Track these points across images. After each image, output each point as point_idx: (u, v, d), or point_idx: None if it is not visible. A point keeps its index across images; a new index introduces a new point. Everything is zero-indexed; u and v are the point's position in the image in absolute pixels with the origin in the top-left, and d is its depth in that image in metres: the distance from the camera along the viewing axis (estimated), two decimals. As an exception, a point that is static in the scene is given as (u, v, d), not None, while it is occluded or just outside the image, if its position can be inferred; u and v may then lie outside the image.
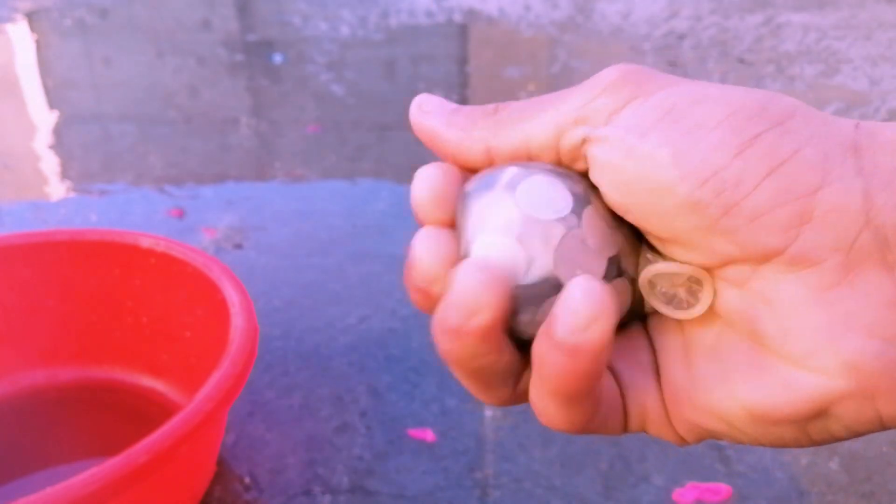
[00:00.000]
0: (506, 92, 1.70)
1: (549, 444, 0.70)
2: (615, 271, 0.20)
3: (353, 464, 0.68)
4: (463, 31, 2.36)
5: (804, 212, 0.16)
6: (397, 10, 2.58)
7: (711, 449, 0.70)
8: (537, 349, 0.17)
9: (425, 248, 0.19)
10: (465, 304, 0.17)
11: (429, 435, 0.72)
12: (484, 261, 0.17)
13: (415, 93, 1.78)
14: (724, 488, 0.65)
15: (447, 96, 1.74)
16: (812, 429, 0.18)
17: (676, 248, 0.19)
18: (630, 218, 0.19)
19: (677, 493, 0.65)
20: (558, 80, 1.83)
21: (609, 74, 0.19)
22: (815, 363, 0.17)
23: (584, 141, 0.19)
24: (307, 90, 1.81)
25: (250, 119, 1.63)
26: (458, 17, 2.47)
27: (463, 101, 1.74)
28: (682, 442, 0.21)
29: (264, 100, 1.79)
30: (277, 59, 2.09)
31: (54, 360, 0.76)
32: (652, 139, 0.18)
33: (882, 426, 0.17)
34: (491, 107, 0.21)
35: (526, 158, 0.20)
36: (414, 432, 0.72)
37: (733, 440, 0.19)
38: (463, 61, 2.07)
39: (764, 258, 0.17)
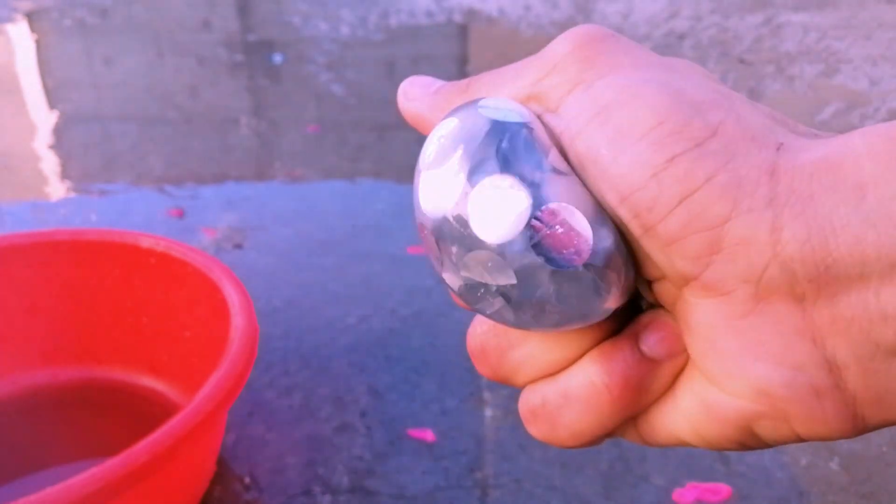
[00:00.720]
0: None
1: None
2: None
3: (353, 464, 0.68)
4: (463, 31, 2.36)
5: (713, 242, 0.16)
6: (397, 10, 2.58)
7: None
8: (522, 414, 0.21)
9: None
10: None
11: (429, 435, 0.72)
12: None
13: (415, 93, 1.78)
14: (724, 488, 0.65)
15: (447, 96, 1.74)
16: (747, 442, 0.18)
17: None
18: None
19: (677, 493, 0.65)
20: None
21: (561, 47, 0.19)
22: (730, 387, 0.17)
23: (542, 117, 0.19)
24: (307, 90, 1.81)
25: (250, 119, 1.63)
26: (458, 17, 2.47)
27: (463, 101, 1.74)
28: (650, 445, 0.21)
29: (264, 100, 1.79)
30: (277, 59, 2.09)
31: (54, 360, 0.76)
32: (585, 140, 0.18)
33: (801, 440, 0.18)
34: (464, 82, 0.21)
35: None
36: (414, 432, 0.72)
37: (690, 446, 0.20)
38: (463, 61, 2.08)
39: (683, 280, 0.17)
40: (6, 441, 0.70)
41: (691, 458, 0.68)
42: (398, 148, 1.46)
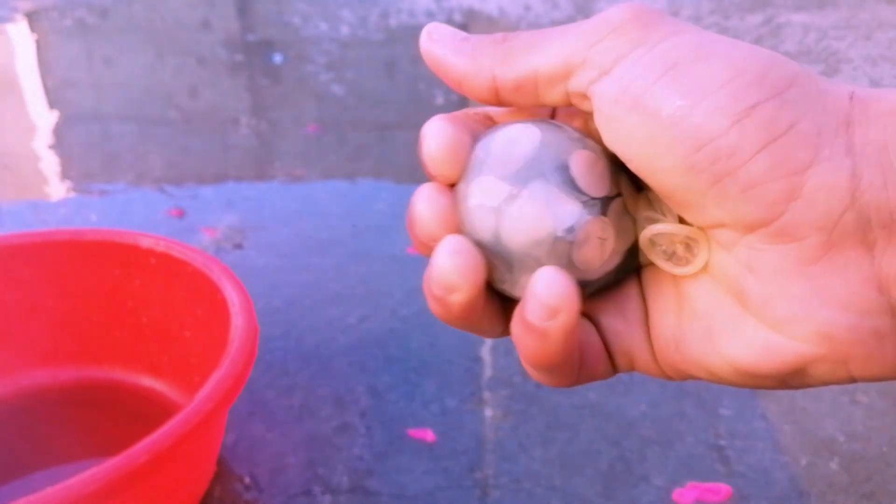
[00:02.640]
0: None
1: (549, 444, 0.70)
2: (614, 210, 0.20)
3: (353, 464, 0.68)
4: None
5: (793, 188, 0.17)
6: (397, 10, 2.58)
7: (711, 449, 0.70)
8: (513, 328, 0.19)
9: (424, 207, 0.20)
10: (442, 283, 0.19)
11: (429, 435, 0.72)
12: (461, 243, 0.19)
13: (415, 93, 1.78)
14: (724, 488, 0.65)
15: (447, 96, 1.74)
16: (790, 381, 0.19)
17: (672, 203, 0.19)
18: (630, 167, 0.19)
19: (677, 493, 0.65)
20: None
21: (617, 15, 0.19)
22: (791, 330, 0.18)
23: (590, 83, 0.19)
24: (307, 90, 1.81)
25: (250, 119, 1.63)
26: (458, 17, 2.47)
27: (463, 100, 1.74)
28: (668, 378, 0.22)
29: (264, 100, 1.79)
30: (277, 59, 2.09)
31: (54, 360, 0.76)
32: (654, 95, 0.18)
33: (853, 381, 0.18)
34: (499, 35, 0.21)
35: (532, 90, 0.21)
36: (414, 432, 0.72)
37: (720, 383, 0.20)
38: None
39: (750, 228, 0.18)
40: (6, 441, 0.70)
41: (691, 458, 0.68)
42: (398, 148, 1.46)
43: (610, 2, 2.57)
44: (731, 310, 0.19)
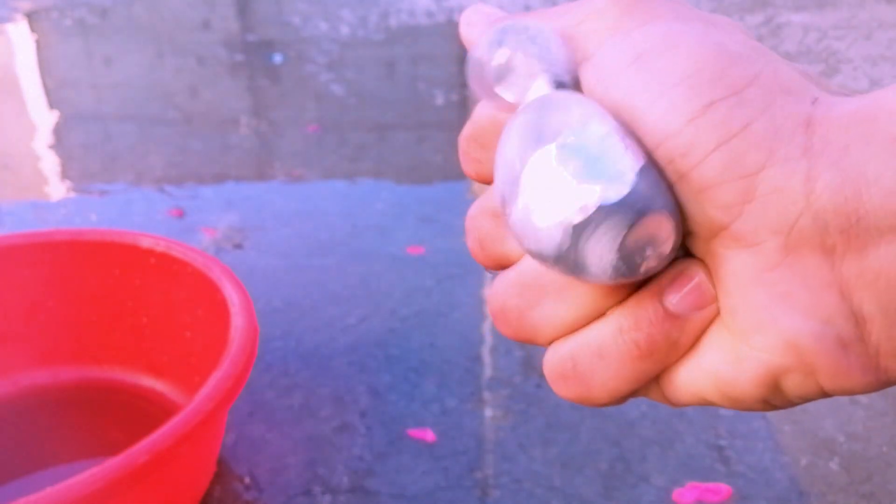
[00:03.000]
0: (506, 92, 1.70)
1: (549, 444, 0.70)
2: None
3: (353, 464, 0.68)
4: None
5: (747, 190, 0.16)
6: (397, 10, 2.58)
7: (711, 449, 0.70)
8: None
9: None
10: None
11: (429, 435, 0.72)
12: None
13: (415, 93, 1.78)
14: (724, 488, 0.65)
15: (447, 96, 1.74)
16: (771, 398, 0.18)
17: None
18: None
19: (677, 493, 0.65)
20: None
21: None
22: (757, 341, 0.17)
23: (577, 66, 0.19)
24: (307, 90, 1.81)
25: (250, 119, 1.63)
26: (458, 17, 2.47)
27: (463, 101, 1.74)
28: (671, 405, 0.21)
29: (264, 100, 1.79)
30: (277, 59, 2.09)
31: (54, 360, 0.76)
32: (621, 86, 0.18)
33: (825, 395, 0.18)
34: (519, 16, 0.21)
35: None
36: (414, 432, 0.72)
37: (714, 405, 0.20)
38: (463, 61, 2.07)
39: (712, 232, 0.17)
40: (6, 441, 0.70)
41: (691, 458, 0.68)
42: (398, 148, 1.46)
43: (610, 2, 2.57)
44: (712, 325, 0.19)
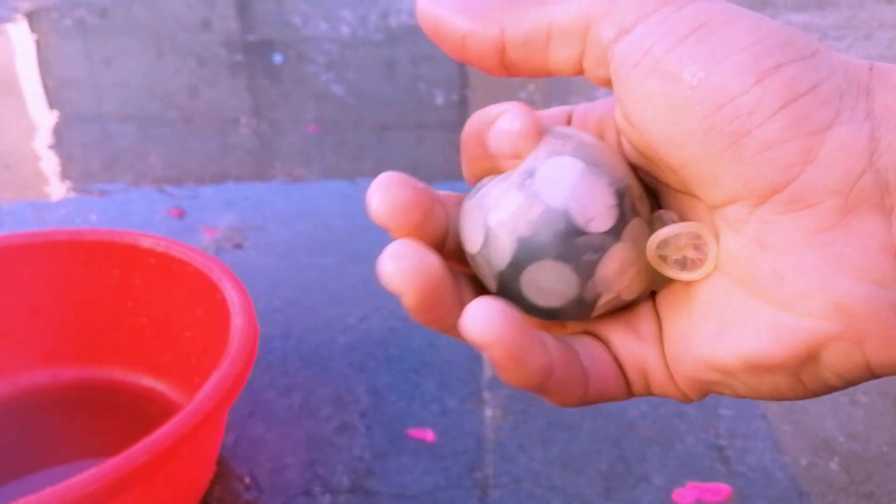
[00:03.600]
0: (506, 92, 1.70)
1: (549, 444, 0.70)
2: (628, 213, 0.20)
3: (353, 464, 0.68)
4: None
5: (810, 149, 0.16)
6: (397, 10, 2.58)
7: (711, 449, 0.70)
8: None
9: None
10: (392, 287, 0.19)
11: (429, 435, 0.72)
12: (403, 247, 0.20)
13: (415, 93, 1.78)
14: (724, 488, 0.65)
15: (447, 96, 1.74)
16: (805, 376, 0.18)
17: (685, 178, 0.19)
18: (645, 138, 0.19)
19: (677, 493, 0.65)
20: (558, 80, 1.83)
21: None
22: (805, 306, 0.17)
23: (609, 43, 0.19)
24: (307, 90, 1.81)
25: (250, 119, 1.63)
26: (458, 17, 2.47)
27: (463, 100, 1.74)
28: (686, 398, 0.21)
29: (264, 100, 1.79)
30: (277, 59, 2.09)
31: (54, 360, 0.76)
32: (677, 55, 0.17)
33: (870, 372, 0.17)
34: None
35: (542, 47, 0.19)
36: (414, 432, 0.72)
37: (734, 393, 0.20)
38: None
39: (763, 196, 0.17)
40: (6, 441, 0.70)
41: (691, 458, 0.68)
42: (398, 148, 1.46)
43: (610, 2, 2.57)
44: (741, 300, 0.18)
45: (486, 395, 0.77)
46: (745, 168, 0.17)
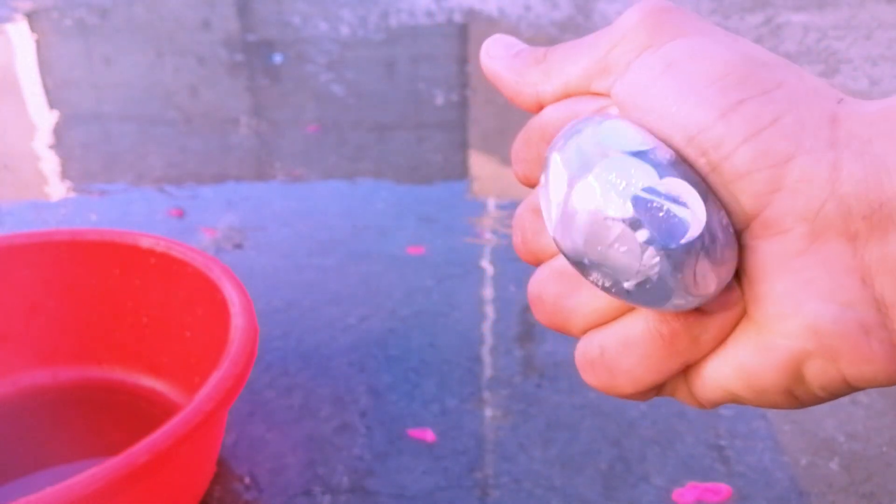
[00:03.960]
0: (506, 92, 1.70)
1: (549, 444, 0.70)
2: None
3: (353, 464, 0.68)
4: (463, 31, 2.36)
5: (776, 179, 0.17)
6: (397, 10, 2.58)
7: (711, 449, 0.70)
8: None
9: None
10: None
11: (429, 435, 0.72)
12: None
13: (415, 93, 1.78)
14: (724, 488, 0.65)
15: (447, 96, 1.74)
16: (797, 391, 0.19)
17: None
18: None
19: (677, 493, 0.65)
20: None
21: (629, 18, 0.20)
22: (782, 328, 0.18)
23: (608, 89, 0.20)
24: (307, 90, 1.81)
25: (250, 119, 1.63)
26: (458, 17, 2.47)
27: (463, 100, 1.74)
28: (700, 406, 0.22)
29: (264, 100, 1.79)
30: (277, 59, 2.09)
31: (54, 360, 0.76)
32: (652, 94, 0.19)
33: (849, 386, 0.18)
34: (541, 52, 0.23)
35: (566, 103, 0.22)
36: (414, 432, 0.72)
37: (741, 403, 0.20)
38: (463, 61, 2.07)
39: (743, 223, 0.18)
40: (6, 441, 0.70)
41: (691, 458, 0.68)
42: (398, 148, 1.46)
43: (609, 2, 2.57)
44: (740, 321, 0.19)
45: (486, 395, 0.77)
46: (722, 197, 0.18)
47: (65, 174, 1.37)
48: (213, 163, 1.39)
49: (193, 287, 0.69)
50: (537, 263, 0.22)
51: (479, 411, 0.75)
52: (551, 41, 2.08)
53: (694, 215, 0.17)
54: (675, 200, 0.17)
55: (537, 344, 0.85)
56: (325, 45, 2.19)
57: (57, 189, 1.31)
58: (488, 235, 1.09)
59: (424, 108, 1.69)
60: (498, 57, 0.23)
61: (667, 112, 0.18)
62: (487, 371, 0.81)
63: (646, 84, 0.19)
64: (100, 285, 0.75)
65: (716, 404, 0.21)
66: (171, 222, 1.15)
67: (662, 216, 0.17)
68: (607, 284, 0.18)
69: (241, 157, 1.43)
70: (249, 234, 1.10)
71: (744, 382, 0.19)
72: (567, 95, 0.22)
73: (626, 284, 0.18)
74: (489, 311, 0.92)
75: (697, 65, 0.18)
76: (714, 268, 0.18)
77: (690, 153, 0.18)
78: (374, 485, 0.66)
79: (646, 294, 0.18)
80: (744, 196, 0.18)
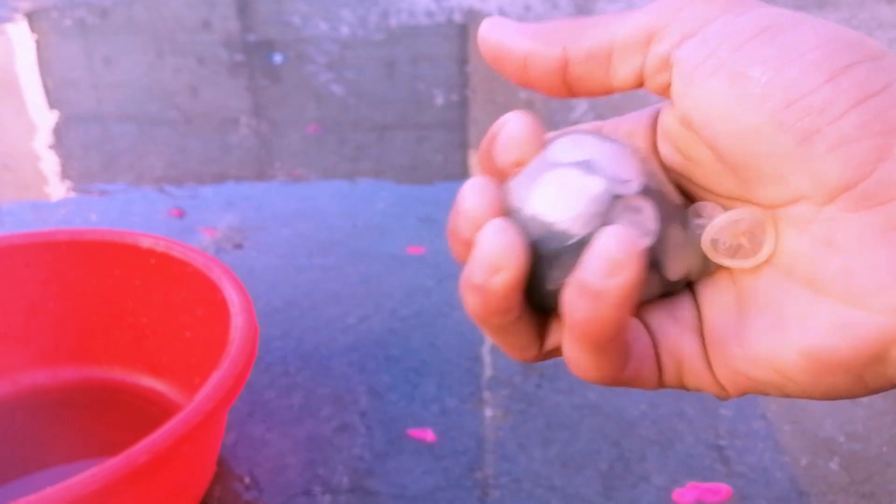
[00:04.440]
0: (506, 92, 1.70)
1: (549, 444, 0.70)
2: (672, 232, 0.20)
3: (353, 464, 0.68)
4: (463, 31, 2.36)
5: (884, 147, 0.17)
6: (397, 10, 2.58)
7: (711, 449, 0.70)
8: (567, 296, 0.18)
9: (473, 196, 0.20)
10: (489, 262, 0.18)
11: (429, 435, 0.72)
12: (507, 223, 0.18)
13: (415, 93, 1.78)
14: (724, 488, 0.65)
15: (447, 96, 1.74)
16: (869, 374, 0.18)
17: (749, 177, 0.19)
18: (705, 134, 0.19)
19: (677, 493, 0.65)
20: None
21: None
22: (876, 302, 0.17)
23: (672, 47, 0.19)
24: (307, 90, 1.81)
25: (250, 119, 1.63)
26: (458, 17, 2.47)
27: (463, 100, 1.74)
28: (723, 392, 0.21)
29: (264, 100, 1.79)
30: (277, 59, 2.09)
31: (54, 360, 0.76)
32: (744, 54, 0.18)
33: None
34: (568, 19, 0.21)
35: (604, 63, 0.20)
36: (414, 432, 0.72)
37: (782, 392, 0.19)
38: (463, 61, 2.07)
39: (833, 194, 0.17)
40: (6, 441, 0.70)
41: (691, 458, 0.68)
42: (398, 148, 1.46)
43: (609, 2, 2.57)
44: (802, 296, 0.18)
45: (486, 395, 0.77)
46: (816, 165, 0.17)
47: (65, 174, 1.37)
48: (213, 163, 1.39)
49: (193, 287, 0.69)
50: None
51: (479, 411, 0.75)
52: None
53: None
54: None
55: (537, 344, 0.85)
56: (325, 45, 2.19)
57: (57, 189, 1.31)
58: (488, 235, 1.09)
59: (424, 108, 1.69)
60: (504, 25, 0.21)
61: (763, 76, 0.17)
62: (487, 371, 0.81)
63: (733, 46, 0.18)
64: (100, 285, 0.75)
65: (747, 391, 0.20)
66: (171, 222, 1.15)
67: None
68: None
69: (241, 157, 1.43)
70: (249, 234, 1.10)
71: (807, 362, 0.18)
72: (608, 55, 0.20)
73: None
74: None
75: (796, 30, 0.18)
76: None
77: (788, 117, 0.17)
78: (374, 485, 0.66)
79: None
80: (846, 164, 0.17)
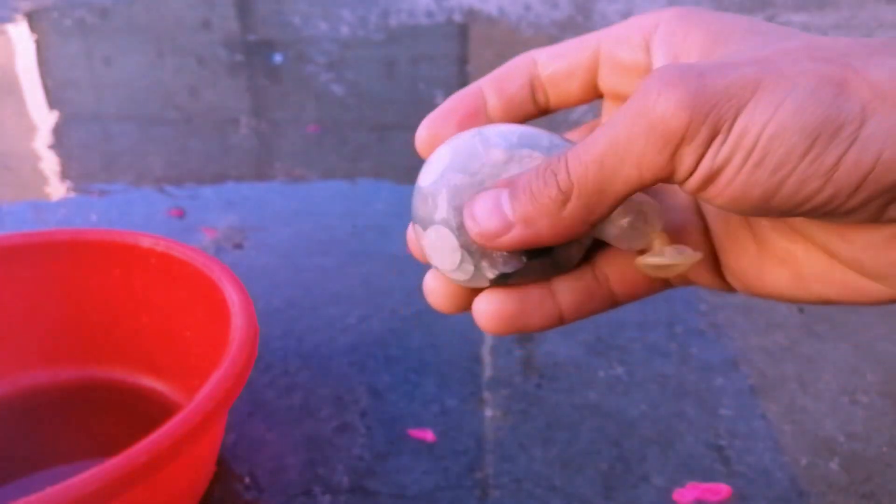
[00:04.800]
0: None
1: (549, 444, 0.70)
2: None
3: (353, 464, 0.68)
4: (463, 31, 2.36)
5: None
6: (397, 10, 2.58)
7: (711, 449, 0.70)
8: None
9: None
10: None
11: (429, 435, 0.72)
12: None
13: (415, 93, 1.78)
14: (724, 488, 0.65)
15: (447, 96, 1.74)
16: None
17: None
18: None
19: (677, 493, 0.65)
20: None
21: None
22: (891, 283, 0.19)
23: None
24: (307, 90, 1.81)
25: (250, 119, 1.63)
26: (458, 17, 2.47)
27: (463, 101, 1.73)
28: (751, 292, 0.23)
29: (264, 100, 1.79)
30: (277, 59, 2.09)
31: (54, 360, 0.76)
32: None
33: None
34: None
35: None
36: (414, 432, 0.72)
37: (838, 298, 0.21)
38: (463, 61, 2.07)
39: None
40: (6, 441, 0.70)
41: (691, 458, 0.68)
42: (398, 148, 1.46)
43: (609, 2, 2.57)
44: (820, 261, 0.20)
45: (486, 395, 0.77)
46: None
47: (65, 174, 1.37)
48: (213, 163, 1.39)
49: (193, 287, 0.69)
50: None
51: (479, 411, 0.75)
52: (551, 41, 2.08)
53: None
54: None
55: (537, 344, 0.85)
56: (325, 45, 2.19)
57: (57, 189, 1.31)
58: (488, 235, 1.09)
59: (424, 108, 1.68)
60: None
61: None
62: (487, 371, 0.81)
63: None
64: (100, 285, 0.75)
65: (781, 295, 0.22)
66: (171, 222, 1.15)
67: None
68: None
69: (241, 157, 1.43)
70: (249, 234, 1.10)
71: (826, 299, 0.20)
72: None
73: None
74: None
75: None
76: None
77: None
78: (374, 485, 0.66)
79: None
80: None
